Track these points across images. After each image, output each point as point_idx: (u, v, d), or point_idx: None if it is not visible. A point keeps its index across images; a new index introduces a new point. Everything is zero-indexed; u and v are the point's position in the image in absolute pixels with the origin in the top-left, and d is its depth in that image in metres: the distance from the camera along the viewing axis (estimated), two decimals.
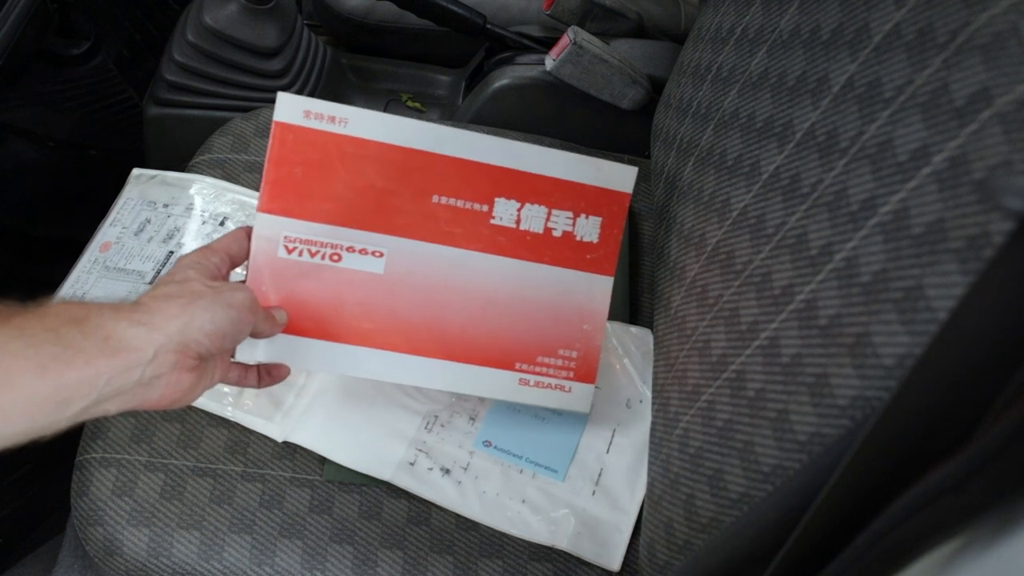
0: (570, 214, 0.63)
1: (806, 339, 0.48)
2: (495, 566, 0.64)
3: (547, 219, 0.62)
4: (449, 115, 1.10)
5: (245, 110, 0.91)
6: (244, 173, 0.83)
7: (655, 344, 0.72)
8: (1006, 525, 0.32)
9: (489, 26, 1.02)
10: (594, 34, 0.94)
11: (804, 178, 0.53)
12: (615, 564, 0.64)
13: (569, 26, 0.93)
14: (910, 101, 0.45)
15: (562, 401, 0.65)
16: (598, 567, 0.64)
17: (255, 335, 0.56)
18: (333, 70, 1.08)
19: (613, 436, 0.70)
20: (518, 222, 0.62)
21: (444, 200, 0.61)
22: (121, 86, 1.07)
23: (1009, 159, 0.38)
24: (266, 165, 0.58)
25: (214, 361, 0.52)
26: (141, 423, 0.68)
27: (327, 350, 0.60)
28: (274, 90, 0.99)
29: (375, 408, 0.69)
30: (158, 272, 0.75)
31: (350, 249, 0.60)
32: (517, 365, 0.64)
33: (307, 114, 0.58)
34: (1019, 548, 0.32)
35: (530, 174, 0.62)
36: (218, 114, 0.97)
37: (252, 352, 0.58)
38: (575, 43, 0.90)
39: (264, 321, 0.55)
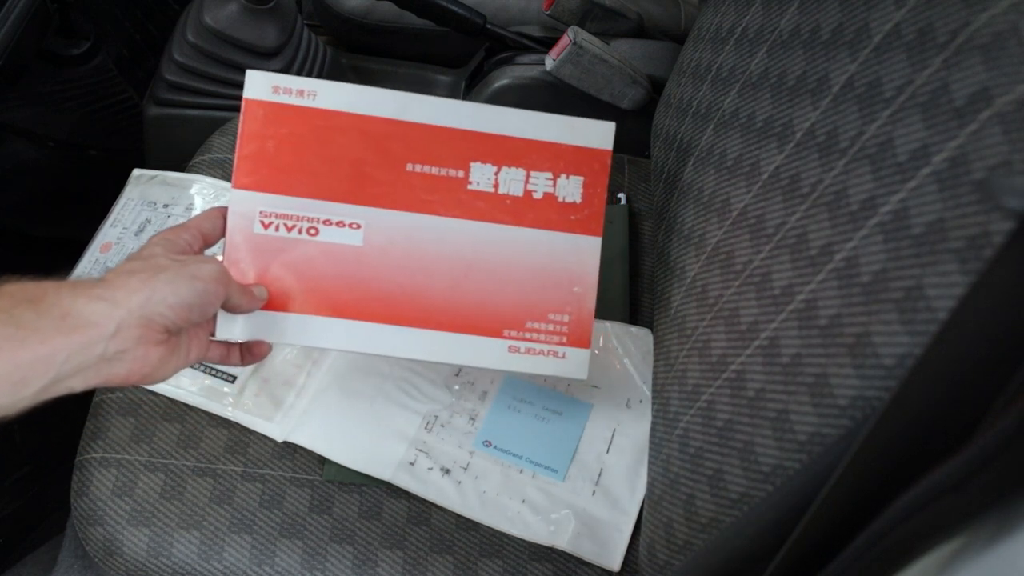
0: (550, 175, 0.62)
1: (806, 339, 0.48)
2: (495, 566, 0.64)
3: (526, 182, 0.61)
4: None
5: None
6: None
7: (655, 344, 0.72)
8: (1006, 525, 0.32)
9: (489, 26, 1.02)
10: (594, 34, 0.94)
11: (804, 178, 0.53)
12: (615, 564, 0.64)
13: (569, 26, 0.93)
14: (910, 101, 0.45)
15: (557, 368, 0.63)
16: (598, 567, 0.64)
17: (232, 310, 0.55)
18: (333, 70, 1.08)
19: (613, 436, 0.70)
20: (496, 186, 0.61)
21: (419, 168, 0.60)
22: (121, 86, 1.07)
23: (1009, 159, 0.38)
24: (238, 141, 0.59)
25: (187, 337, 0.52)
26: (141, 423, 0.68)
27: (307, 324, 0.60)
28: None
29: (375, 408, 0.69)
30: None
31: (327, 222, 0.60)
32: (506, 332, 0.62)
33: (276, 89, 0.59)
34: (1019, 548, 0.32)
35: (504, 137, 0.61)
36: (218, 114, 0.97)
37: (231, 330, 0.57)
38: (575, 43, 0.90)
39: (240, 295, 0.54)
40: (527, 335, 0.63)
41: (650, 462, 0.66)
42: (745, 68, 0.67)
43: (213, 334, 0.57)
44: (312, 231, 0.59)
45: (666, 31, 1.06)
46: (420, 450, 0.67)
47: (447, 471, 0.67)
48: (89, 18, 1.01)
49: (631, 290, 0.80)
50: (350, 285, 0.60)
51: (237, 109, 0.98)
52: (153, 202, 0.80)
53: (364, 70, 1.14)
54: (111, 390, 0.70)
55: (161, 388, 0.69)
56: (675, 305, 0.68)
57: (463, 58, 1.13)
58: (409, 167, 0.60)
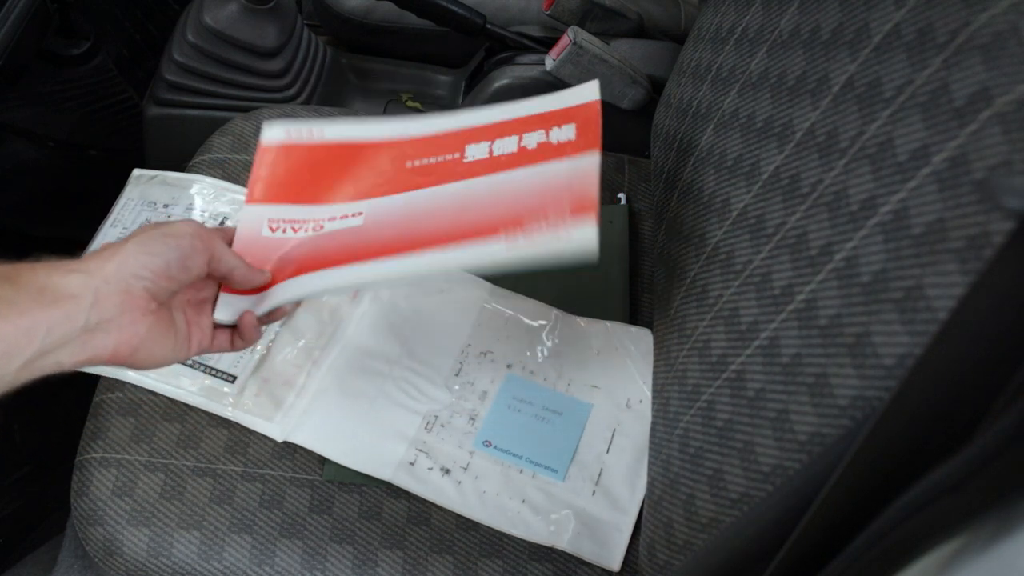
0: (542, 131, 0.61)
1: (806, 339, 0.48)
2: (495, 566, 0.64)
3: (520, 142, 0.61)
4: None
5: (245, 110, 0.91)
6: (244, 173, 0.83)
7: (655, 344, 0.72)
8: (1006, 525, 0.32)
9: (489, 26, 1.02)
10: (594, 34, 0.94)
11: (804, 178, 0.53)
12: (615, 564, 0.64)
13: (569, 26, 0.93)
14: (910, 101, 0.45)
15: (560, 245, 0.55)
16: (598, 567, 0.64)
17: (227, 276, 0.54)
18: (333, 70, 1.08)
19: (613, 436, 0.70)
20: (491, 152, 0.62)
21: (418, 163, 0.63)
22: (121, 86, 1.07)
23: (1009, 159, 0.38)
24: (252, 171, 0.63)
25: (185, 319, 0.51)
26: (141, 423, 0.68)
27: (309, 279, 0.58)
28: (274, 90, 0.99)
29: (375, 408, 0.69)
30: None
31: (331, 219, 0.61)
32: (504, 232, 0.57)
33: (288, 132, 0.63)
34: (1019, 548, 0.32)
35: (496, 123, 0.63)
36: (218, 114, 0.97)
37: (229, 313, 0.56)
38: (575, 43, 0.90)
39: (231, 255, 0.53)
40: (526, 228, 0.56)
41: (650, 462, 0.66)
42: (745, 68, 0.67)
43: (212, 316, 0.55)
44: (318, 228, 0.61)
45: (666, 31, 1.06)
46: (420, 450, 0.67)
47: (447, 471, 0.67)
48: (89, 18, 1.01)
49: (631, 290, 0.80)
50: (350, 246, 0.60)
51: (237, 109, 0.98)
52: (153, 202, 0.80)
53: (364, 70, 1.14)
54: (111, 390, 0.70)
55: (161, 388, 0.69)
56: (675, 305, 0.68)
57: (463, 58, 1.13)
58: (408, 164, 0.63)
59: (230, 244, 0.58)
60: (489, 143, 0.62)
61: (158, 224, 0.51)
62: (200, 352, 0.54)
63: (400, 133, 0.63)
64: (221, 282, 0.56)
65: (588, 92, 0.63)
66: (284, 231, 0.60)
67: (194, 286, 0.54)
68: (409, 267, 0.57)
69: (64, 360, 0.45)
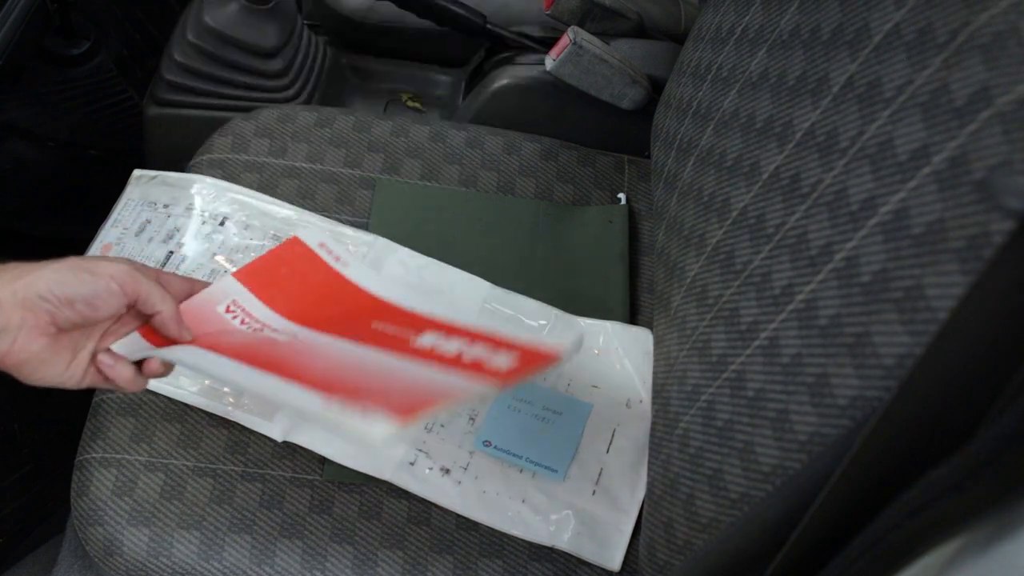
0: (489, 351, 0.54)
1: (806, 339, 0.48)
2: (495, 566, 0.64)
3: (461, 349, 0.54)
4: (449, 115, 1.10)
5: (245, 110, 0.91)
6: (244, 173, 0.83)
7: (655, 344, 0.72)
8: (1006, 525, 0.32)
9: (489, 26, 1.02)
10: (594, 34, 0.94)
11: (804, 178, 0.53)
12: (615, 564, 0.64)
13: (569, 26, 0.93)
14: (910, 101, 0.45)
15: (352, 424, 0.49)
16: (598, 567, 0.64)
17: (155, 319, 0.52)
18: (333, 70, 1.08)
19: (613, 436, 0.70)
20: (433, 348, 0.55)
21: (380, 326, 0.58)
22: (121, 86, 1.07)
23: (1009, 159, 0.38)
24: (265, 254, 0.63)
25: (93, 339, 0.51)
26: (141, 423, 0.68)
27: (205, 355, 0.55)
28: (274, 90, 0.99)
29: None
30: None
31: (275, 331, 0.58)
32: (337, 396, 0.51)
33: (321, 245, 0.64)
34: (1019, 548, 0.32)
35: (474, 333, 0.55)
36: (218, 114, 0.97)
37: (129, 350, 0.54)
38: (575, 43, 0.90)
39: (161, 299, 0.52)
40: (345, 401, 0.51)
41: (650, 462, 0.66)
42: (745, 68, 0.67)
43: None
44: (259, 331, 0.59)
45: (666, 31, 1.06)
46: (420, 450, 0.67)
47: (447, 471, 0.67)
48: (89, 18, 1.01)
49: (631, 290, 0.80)
50: (259, 354, 0.56)
51: (237, 109, 0.98)
52: (153, 202, 0.80)
53: (364, 70, 1.14)
54: (111, 389, 0.70)
55: (161, 388, 0.69)
56: (675, 305, 0.68)
57: (463, 58, 1.13)
58: (373, 324, 0.58)
59: (187, 294, 0.56)
60: (439, 338, 0.56)
61: (90, 258, 0.51)
62: (92, 384, 0.53)
63: (404, 300, 0.60)
64: (145, 321, 0.54)
65: (567, 343, 0.54)
66: (236, 318, 0.59)
67: (121, 321, 0.53)
68: (272, 390, 0.52)
69: None
